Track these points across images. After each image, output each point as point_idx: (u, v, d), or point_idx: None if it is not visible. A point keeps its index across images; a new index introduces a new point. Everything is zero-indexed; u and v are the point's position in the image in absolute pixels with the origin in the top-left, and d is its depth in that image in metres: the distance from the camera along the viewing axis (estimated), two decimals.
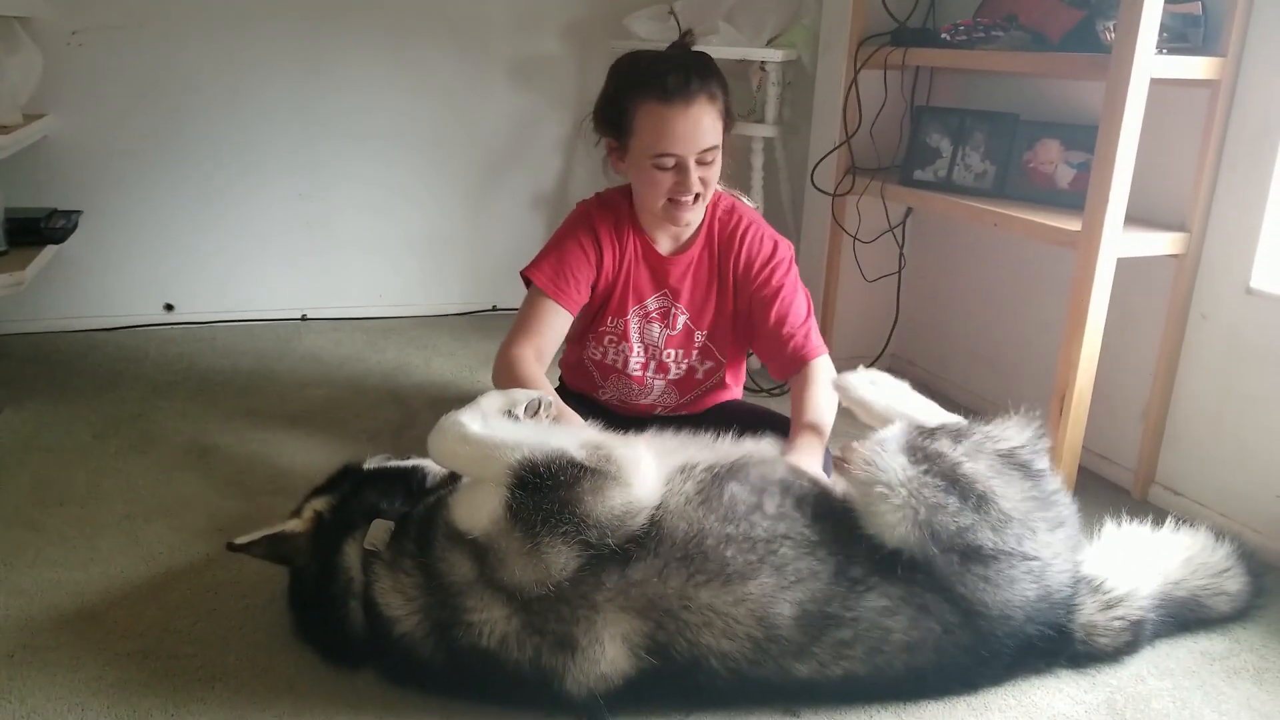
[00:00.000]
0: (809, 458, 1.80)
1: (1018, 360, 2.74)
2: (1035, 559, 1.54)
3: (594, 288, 2.05)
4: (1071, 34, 2.32)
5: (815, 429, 1.90)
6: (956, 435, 1.63)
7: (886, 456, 1.56)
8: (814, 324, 2.07)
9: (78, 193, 3.07)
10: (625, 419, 2.18)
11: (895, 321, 3.04)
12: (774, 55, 3.04)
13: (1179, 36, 2.16)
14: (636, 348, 2.10)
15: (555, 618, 1.43)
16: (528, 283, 2.03)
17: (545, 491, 1.45)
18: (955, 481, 1.53)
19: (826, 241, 2.97)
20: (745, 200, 2.17)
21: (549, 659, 1.44)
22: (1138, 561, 1.75)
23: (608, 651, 1.44)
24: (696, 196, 1.93)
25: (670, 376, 2.14)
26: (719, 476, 1.57)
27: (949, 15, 2.78)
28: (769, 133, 3.11)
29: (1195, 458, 2.26)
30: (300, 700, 1.50)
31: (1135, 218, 2.15)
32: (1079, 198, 2.19)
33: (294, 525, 1.61)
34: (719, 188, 2.07)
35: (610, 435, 1.60)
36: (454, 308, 3.59)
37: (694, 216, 2.00)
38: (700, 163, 1.91)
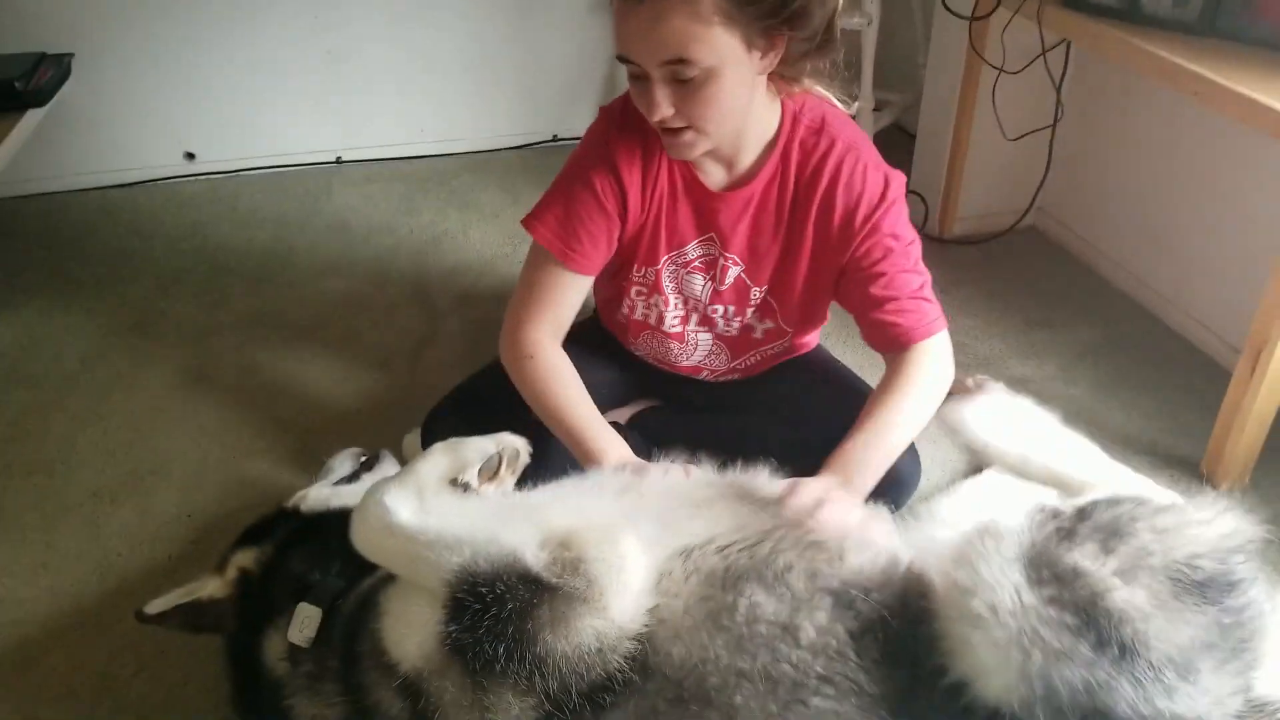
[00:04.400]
0: (827, 490, 1.27)
1: (1200, 250, 2.08)
2: (1183, 718, 1.08)
3: (621, 237, 1.53)
4: None
5: (864, 462, 1.36)
6: (1109, 534, 1.11)
7: (995, 565, 1.06)
8: (927, 289, 1.48)
9: (66, 33, 2.61)
10: (661, 377, 1.74)
11: (1046, 173, 2.37)
12: None
13: None
14: (673, 300, 1.59)
15: None
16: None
17: (489, 622, 1.06)
18: (1093, 620, 1.03)
19: (960, 79, 2.27)
20: (841, 105, 1.51)
21: None
22: None
23: None
24: (686, 128, 1.33)
25: (719, 331, 1.64)
26: (734, 575, 1.13)
27: None
28: None
29: None
30: None
31: None
32: None
33: (214, 589, 1.29)
34: (815, 86, 1.45)
35: (587, 523, 1.15)
36: (508, 140, 3.07)
37: (689, 152, 1.38)
38: (673, 79, 1.28)
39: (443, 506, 1.16)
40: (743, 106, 1.36)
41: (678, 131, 1.34)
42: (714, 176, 1.49)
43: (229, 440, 1.89)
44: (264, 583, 1.29)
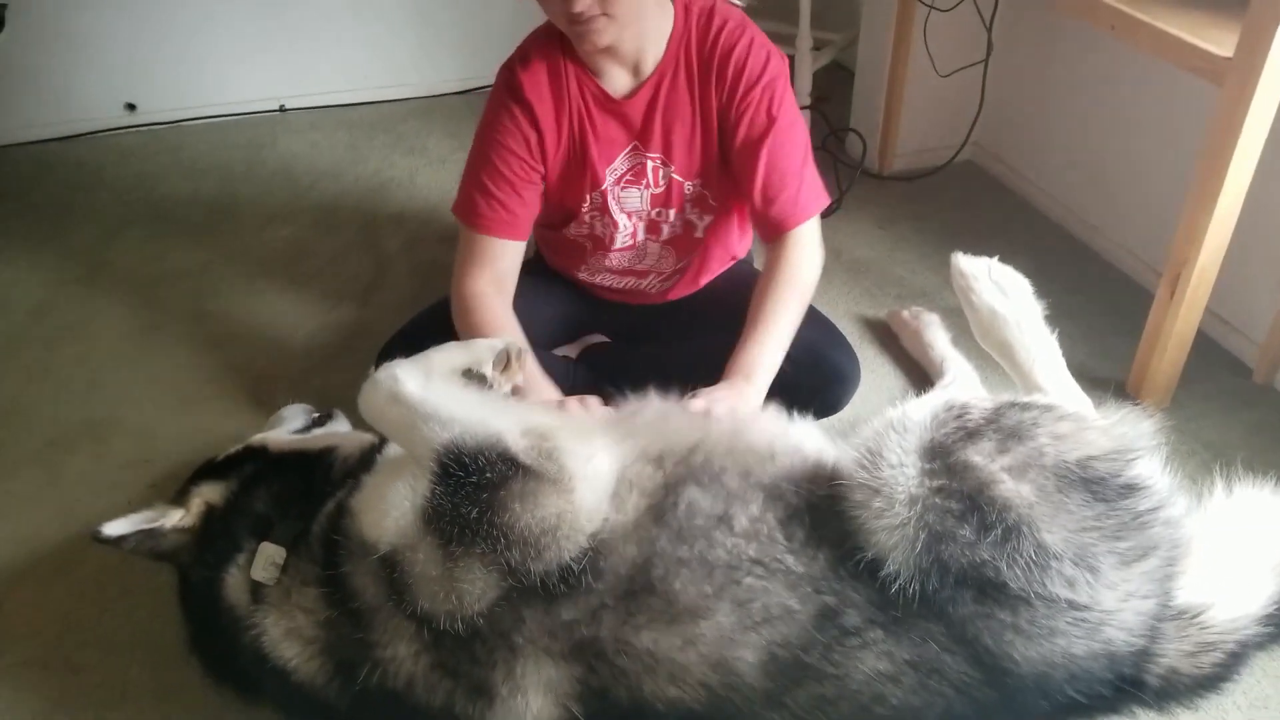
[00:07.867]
0: (735, 395, 1.42)
1: (1126, 180, 2.16)
2: (1087, 609, 1.17)
3: (547, 174, 1.58)
4: None
5: (762, 364, 1.47)
6: (1009, 435, 1.21)
7: (894, 458, 1.18)
8: (809, 171, 1.59)
9: None
10: (606, 311, 1.81)
11: (979, 109, 2.43)
12: None
13: None
14: (621, 221, 1.65)
15: (468, 659, 1.17)
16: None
17: (468, 490, 1.15)
18: (977, 507, 1.14)
19: (893, 17, 2.31)
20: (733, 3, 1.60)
21: (464, 707, 1.18)
22: (1249, 562, 1.34)
23: (532, 703, 1.18)
24: (600, 15, 1.40)
25: (664, 237, 1.70)
26: (673, 482, 1.22)
27: None
28: None
29: None
30: None
31: None
32: None
33: (175, 520, 1.31)
34: None
35: (567, 421, 1.26)
36: (452, 85, 3.07)
37: (599, 39, 1.44)
38: None
39: (444, 388, 1.26)
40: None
41: (591, 20, 1.40)
42: (620, 83, 1.56)
43: (181, 388, 1.92)
44: (226, 518, 1.31)
